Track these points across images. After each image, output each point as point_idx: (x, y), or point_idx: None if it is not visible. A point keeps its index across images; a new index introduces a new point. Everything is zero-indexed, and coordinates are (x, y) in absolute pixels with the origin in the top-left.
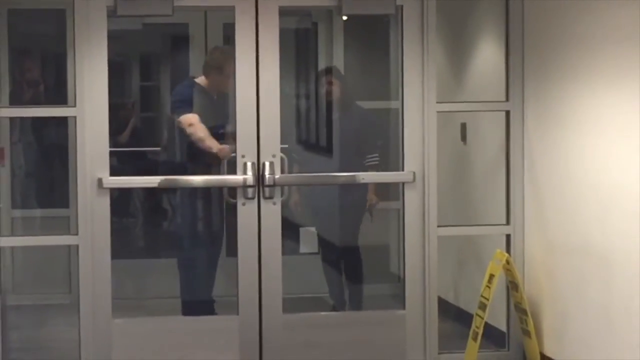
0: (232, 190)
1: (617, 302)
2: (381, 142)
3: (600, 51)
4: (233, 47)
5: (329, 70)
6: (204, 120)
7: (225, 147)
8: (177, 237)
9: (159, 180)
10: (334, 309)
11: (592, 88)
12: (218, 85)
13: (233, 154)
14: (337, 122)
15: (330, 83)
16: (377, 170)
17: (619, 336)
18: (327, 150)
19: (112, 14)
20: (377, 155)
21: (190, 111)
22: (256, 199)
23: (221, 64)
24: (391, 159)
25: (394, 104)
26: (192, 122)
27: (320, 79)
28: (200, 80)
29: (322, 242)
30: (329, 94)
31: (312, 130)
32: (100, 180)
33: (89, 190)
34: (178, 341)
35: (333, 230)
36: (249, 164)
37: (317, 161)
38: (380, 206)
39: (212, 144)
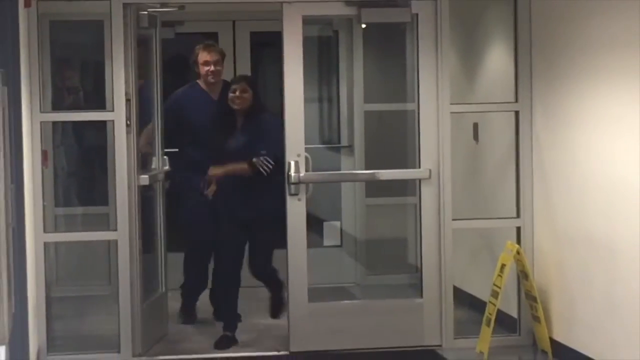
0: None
1: (621, 290)
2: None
3: (605, 53)
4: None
5: (241, 79)
6: (203, 118)
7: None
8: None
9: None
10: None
11: (597, 88)
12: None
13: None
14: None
15: (242, 91)
16: (266, 172)
17: (622, 321)
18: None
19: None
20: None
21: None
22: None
23: (199, 53)
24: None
25: (410, 106)
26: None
27: (232, 86)
28: (201, 81)
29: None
30: (238, 102)
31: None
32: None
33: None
34: None
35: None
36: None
37: None
38: (397, 201)
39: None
